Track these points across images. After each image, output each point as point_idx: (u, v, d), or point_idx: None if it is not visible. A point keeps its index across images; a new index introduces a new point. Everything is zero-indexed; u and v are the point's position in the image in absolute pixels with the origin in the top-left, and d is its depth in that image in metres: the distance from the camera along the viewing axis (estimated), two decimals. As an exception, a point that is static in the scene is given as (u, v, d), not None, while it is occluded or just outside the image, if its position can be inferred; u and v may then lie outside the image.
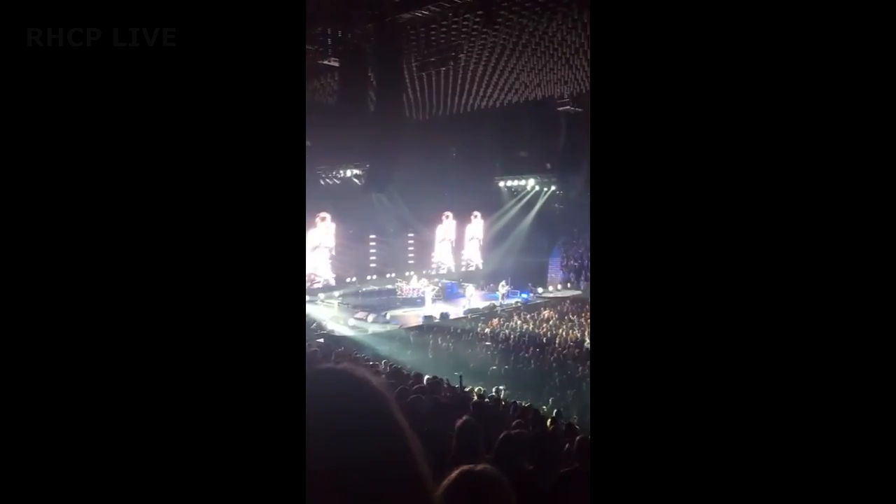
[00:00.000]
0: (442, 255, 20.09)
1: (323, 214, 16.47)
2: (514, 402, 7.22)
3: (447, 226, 20.09)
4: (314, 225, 16.22)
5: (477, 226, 20.61)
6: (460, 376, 7.82)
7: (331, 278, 16.96)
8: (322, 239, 16.61)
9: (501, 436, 3.02)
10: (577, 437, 3.48)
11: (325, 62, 12.09)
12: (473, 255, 20.81)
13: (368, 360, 9.37)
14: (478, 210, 20.43)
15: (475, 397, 6.39)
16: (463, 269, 20.40)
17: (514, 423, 4.60)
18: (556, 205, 19.80)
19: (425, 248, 19.87)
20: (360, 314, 15.16)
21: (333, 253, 16.94)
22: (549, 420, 6.11)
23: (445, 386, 6.48)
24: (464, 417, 2.97)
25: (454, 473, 1.24)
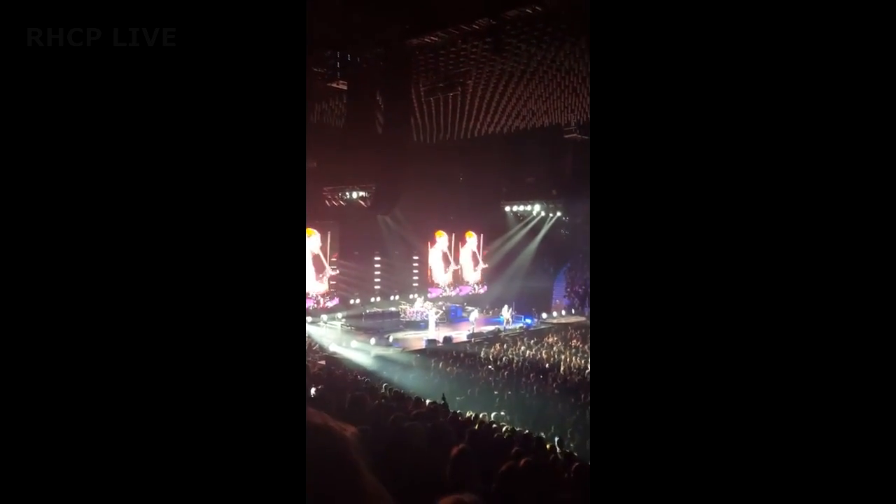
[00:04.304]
0: (437, 274, 20.01)
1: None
2: (514, 428, 7.08)
3: (440, 244, 20.07)
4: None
5: (471, 245, 20.58)
6: (447, 397, 7.69)
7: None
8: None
9: (501, 470, 2.92)
10: (575, 465, 3.38)
11: (334, 85, 12.28)
12: (469, 275, 20.73)
13: (370, 383, 9.26)
14: (481, 232, 20.43)
15: (476, 424, 6.27)
16: (456, 292, 20.29)
17: (513, 451, 4.49)
18: (562, 231, 19.80)
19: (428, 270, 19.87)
20: (363, 336, 15.06)
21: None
22: (549, 446, 5.97)
23: (443, 411, 6.37)
24: (459, 446, 2.88)
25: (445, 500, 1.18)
